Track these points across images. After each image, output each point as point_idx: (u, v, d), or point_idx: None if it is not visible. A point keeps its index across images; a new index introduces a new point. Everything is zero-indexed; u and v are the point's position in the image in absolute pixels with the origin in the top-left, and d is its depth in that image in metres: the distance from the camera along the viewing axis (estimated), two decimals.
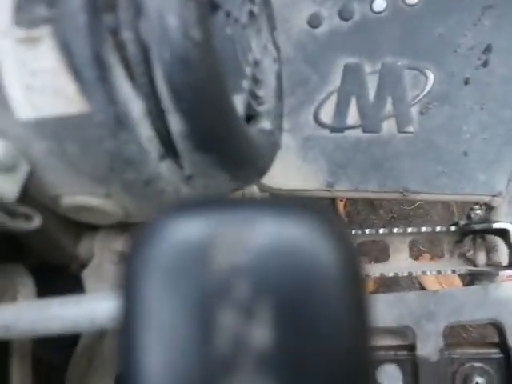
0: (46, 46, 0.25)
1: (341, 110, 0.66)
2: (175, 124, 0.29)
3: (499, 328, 0.59)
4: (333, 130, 0.66)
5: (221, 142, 0.31)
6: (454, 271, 0.61)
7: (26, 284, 0.40)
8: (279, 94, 0.47)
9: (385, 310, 0.61)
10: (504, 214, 0.66)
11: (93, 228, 0.38)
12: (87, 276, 0.37)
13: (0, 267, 0.41)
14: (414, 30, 0.64)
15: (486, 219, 0.61)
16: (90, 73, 0.26)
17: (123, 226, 0.41)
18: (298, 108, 0.67)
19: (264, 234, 0.11)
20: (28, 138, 0.28)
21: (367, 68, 0.65)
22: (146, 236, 0.12)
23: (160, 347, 0.11)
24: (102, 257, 0.38)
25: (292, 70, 0.67)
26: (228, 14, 0.33)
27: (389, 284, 1.11)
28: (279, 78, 0.48)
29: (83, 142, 0.28)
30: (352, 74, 0.66)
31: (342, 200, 1.25)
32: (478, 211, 0.61)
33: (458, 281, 1.05)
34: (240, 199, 0.14)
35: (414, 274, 0.60)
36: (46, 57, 0.26)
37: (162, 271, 0.11)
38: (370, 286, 1.06)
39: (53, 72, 0.26)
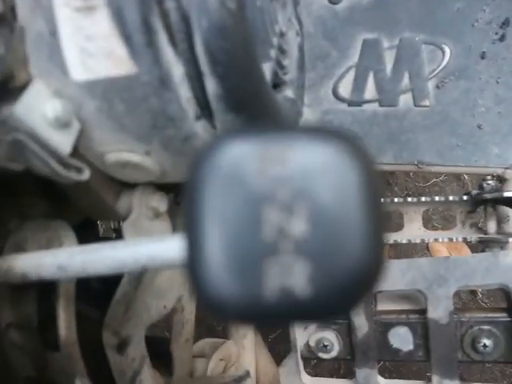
0: (100, 13, 0.29)
1: (359, 84, 0.68)
2: (211, 87, 0.32)
3: (507, 293, 0.62)
4: (351, 103, 0.69)
5: (251, 104, 0.34)
6: (464, 239, 0.63)
7: (70, 238, 0.44)
8: (301, 66, 0.50)
9: (398, 275, 0.64)
10: None
11: (131, 186, 0.42)
12: (126, 229, 0.41)
13: (46, 222, 0.46)
14: (432, 5, 0.66)
15: (498, 189, 0.63)
16: (138, 38, 0.29)
17: (158, 185, 0.45)
18: (318, 82, 0.69)
19: (302, 152, 0.15)
20: (80, 98, 0.32)
21: (385, 43, 0.67)
22: (207, 150, 0.15)
23: (221, 234, 0.14)
24: (139, 212, 0.42)
25: (312, 45, 0.69)
26: None
27: (403, 257, 1.14)
28: (301, 50, 0.50)
29: (130, 100, 0.31)
30: (370, 50, 0.68)
31: None
32: (490, 181, 0.63)
33: (469, 253, 1.08)
34: (286, 126, 0.16)
35: (426, 241, 0.63)
36: (100, 23, 0.29)
37: (223, 178, 0.15)
38: (386, 253, 1.09)
39: (106, 37, 0.29)
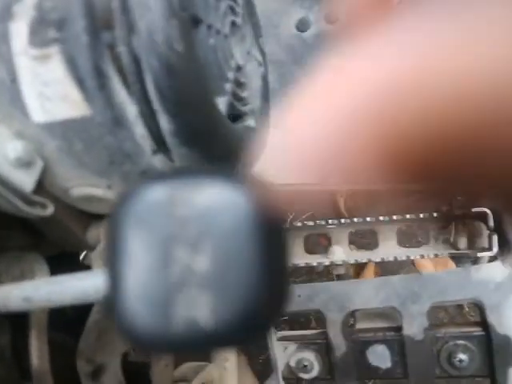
0: (55, 61, 0.31)
1: None
2: (164, 123, 0.34)
3: (480, 307, 0.63)
4: None
5: (205, 138, 0.36)
6: (436, 255, 0.65)
7: (43, 270, 0.45)
8: (265, 95, 0.52)
9: (372, 294, 0.65)
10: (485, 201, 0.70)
11: (100, 217, 0.44)
12: (94, 259, 0.43)
13: (19, 254, 0.47)
14: None
15: (467, 205, 0.65)
16: (91, 82, 0.31)
17: None
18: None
19: (205, 194, 0.16)
20: (42, 138, 0.34)
21: None
22: (124, 197, 0.17)
23: (135, 272, 0.16)
24: None
25: (283, 71, 0.72)
26: (210, 27, 0.38)
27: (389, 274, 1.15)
28: (265, 79, 0.52)
29: (87, 140, 0.33)
30: None
31: (342, 196, 1.29)
32: (459, 197, 0.65)
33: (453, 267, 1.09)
34: (190, 168, 0.18)
35: (399, 259, 0.65)
36: (55, 70, 0.31)
37: (137, 220, 0.16)
38: (371, 273, 1.11)
39: (61, 82, 0.31)
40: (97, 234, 0.44)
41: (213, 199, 0.16)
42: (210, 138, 0.36)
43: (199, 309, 0.15)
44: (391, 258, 0.65)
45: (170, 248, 0.16)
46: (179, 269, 0.16)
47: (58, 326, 0.49)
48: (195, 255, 0.16)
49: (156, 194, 0.16)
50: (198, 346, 0.16)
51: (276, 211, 0.17)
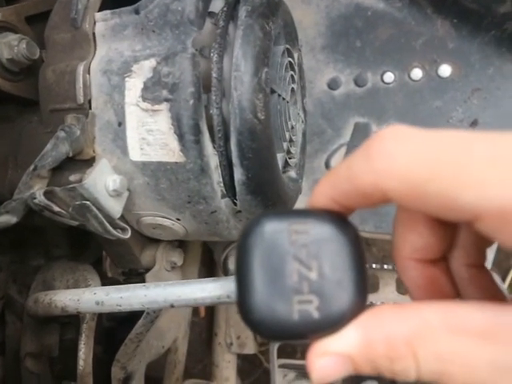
0: (163, 115, 0.37)
1: None
2: (238, 174, 0.40)
3: None
4: None
5: (266, 188, 0.43)
6: None
7: (96, 281, 0.51)
8: (303, 149, 0.59)
9: None
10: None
11: (155, 240, 0.50)
12: (148, 279, 0.48)
13: (74, 264, 0.52)
14: (415, 101, 0.77)
15: None
16: (189, 136, 0.37)
17: (179, 242, 0.52)
18: (313, 155, 0.79)
19: (316, 228, 0.23)
20: (134, 173, 0.40)
21: (374, 128, 0.78)
22: (254, 224, 0.23)
23: (263, 279, 0.22)
24: (160, 264, 0.49)
25: (311, 122, 0.79)
26: (279, 95, 0.45)
27: None
28: (304, 135, 0.60)
29: (174, 181, 0.39)
30: (360, 132, 0.78)
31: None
32: None
33: None
34: (299, 210, 0.25)
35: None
36: (161, 122, 0.37)
37: (263, 242, 0.23)
38: None
39: (164, 133, 0.37)
40: (151, 255, 0.50)
41: (320, 231, 0.23)
42: (270, 188, 0.43)
43: (311, 306, 0.22)
44: (391, 303, 0.71)
45: (290, 263, 0.22)
46: (297, 278, 0.22)
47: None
48: (308, 269, 0.22)
49: (279, 224, 0.23)
50: (310, 332, 0.22)
51: (359, 239, 0.24)
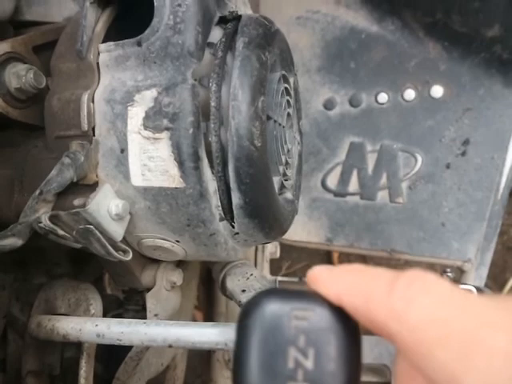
0: (163, 143, 0.39)
1: (344, 179, 0.80)
2: (235, 198, 0.42)
3: None
4: (336, 194, 0.80)
5: (263, 211, 0.44)
6: None
7: (97, 300, 0.52)
8: (299, 170, 0.61)
9: (368, 350, 0.72)
10: (472, 278, 0.79)
11: (156, 261, 0.51)
12: (149, 298, 0.50)
13: (75, 283, 0.54)
14: (408, 121, 0.79)
15: (456, 280, 0.74)
16: (189, 163, 0.39)
17: (178, 261, 0.54)
18: (309, 174, 0.81)
19: (317, 315, 0.24)
20: (135, 198, 0.42)
21: (368, 147, 0.80)
22: (254, 303, 0.24)
23: (260, 359, 0.23)
24: (160, 284, 0.50)
25: (307, 142, 0.81)
26: (275, 121, 0.47)
27: None
28: (300, 157, 0.61)
29: (174, 205, 0.41)
30: (356, 151, 0.80)
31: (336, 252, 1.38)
32: (449, 274, 0.74)
33: None
34: (298, 292, 0.26)
35: None
36: (162, 150, 0.39)
37: (264, 324, 0.23)
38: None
39: (164, 160, 0.39)
40: (151, 275, 0.51)
41: (320, 320, 0.24)
42: (266, 211, 0.45)
43: None
44: None
45: (288, 349, 0.23)
46: (293, 365, 0.23)
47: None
48: (304, 357, 0.23)
49: (279, 308, 0.24)
50: None
51: (358, 332, 0.25)
